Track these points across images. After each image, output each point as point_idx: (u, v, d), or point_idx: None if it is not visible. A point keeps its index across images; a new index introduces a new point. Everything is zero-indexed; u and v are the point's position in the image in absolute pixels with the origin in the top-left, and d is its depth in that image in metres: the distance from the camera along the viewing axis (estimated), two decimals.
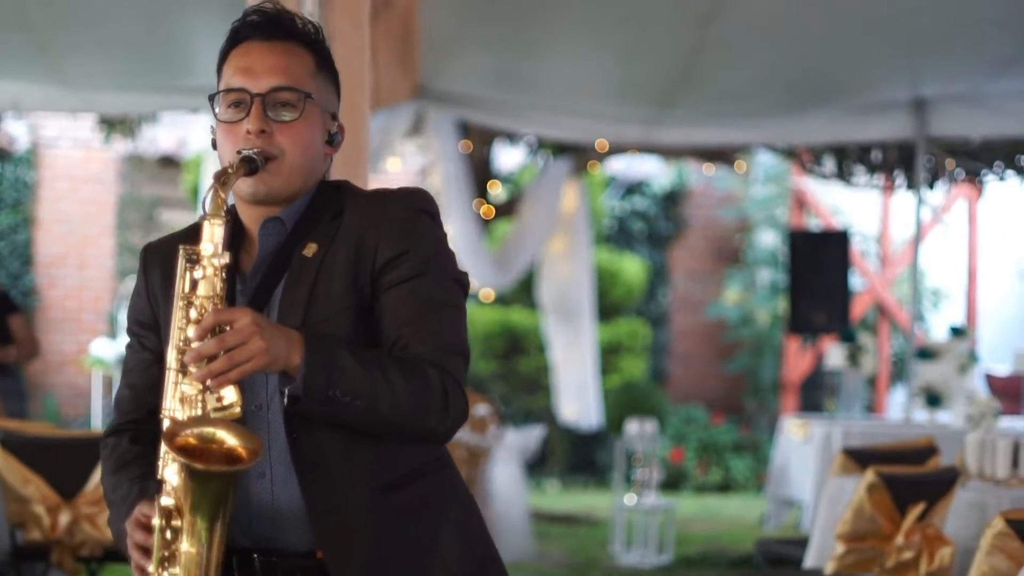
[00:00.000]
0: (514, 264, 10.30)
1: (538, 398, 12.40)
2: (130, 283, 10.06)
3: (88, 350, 10.42)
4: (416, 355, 2.39)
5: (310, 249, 2.43)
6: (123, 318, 9.37)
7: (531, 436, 9.64)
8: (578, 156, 10.57)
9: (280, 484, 2.41)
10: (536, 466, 12.44)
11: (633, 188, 14.09)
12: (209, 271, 2.31)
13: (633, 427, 8.92)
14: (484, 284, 10.15)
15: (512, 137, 10.91)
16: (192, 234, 2.47)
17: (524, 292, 12.01)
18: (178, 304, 2.33)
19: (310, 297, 2.40)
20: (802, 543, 6.37)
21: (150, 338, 2.55)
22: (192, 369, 2.26)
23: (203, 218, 2.34)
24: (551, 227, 10.42)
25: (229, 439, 2.25)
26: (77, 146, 12.84)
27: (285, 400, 2.31)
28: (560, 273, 10.72)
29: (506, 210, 10.84)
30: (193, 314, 2.30)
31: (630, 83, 8.77)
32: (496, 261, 10.22)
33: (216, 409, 2.27)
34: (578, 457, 13.26)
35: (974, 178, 10.30)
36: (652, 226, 14.14)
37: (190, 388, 2.29)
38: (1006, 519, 4.21)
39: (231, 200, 2.50)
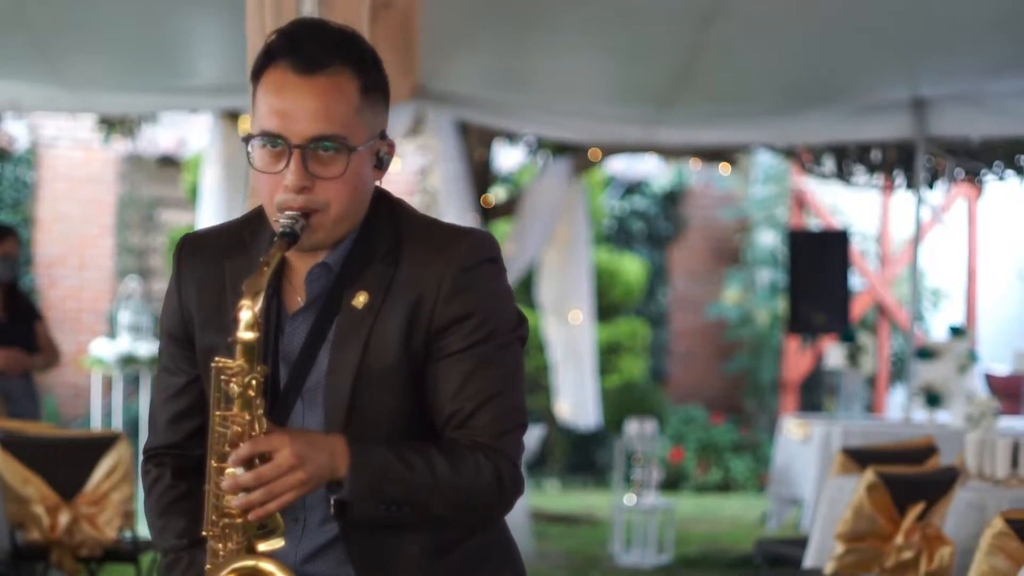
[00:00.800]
0: (514, 264, 10.29)
1: (538, 398, 12.40)
2: (130, 283, 10.06)
3: (87, 350, 10.41)
4: (472, 437, 2.28)
5: (360, 299, 2.29)
6: (122, 318, 9.41)
7: (531, 436, 9.64)
8: (578, 156, 10.57)
9: (309, 531, 2.36)
10: (536, 466, 12.44)
11: (633, 188, 14.10)
12: (246, 389, 2.18)
13: (633, 427, 8.92)
14: None
15: (512, 137, 10.91)
16: (233, 238, 2.39)
17: (523, 292, 12.01)
18: (214, 418, 2.21)
19: (361, 359, 2.27)
20: (802, 543, 6.37)
21: (184, 356, 2.42)
22: (231, 499, 2.18)
23: (240, 300, 2.17)
24: (551, 227, 10.42)
25: (277, 574, 2.21)
26: (76, 146, 12.84)
27: (332, 508, 2.24)
28: (559, 273, 10.72)
29: (506, 210, 10.84)
30: (228, 432, 2.18)
31: (630, 83, 8.77)
32: None
33: (257, 535, 2.23)
34: (578, 457, 13.26)
35: (973, 178, 10.31)
36: (652, 226, 14.14)
37: (230, 509, 2.22)
38: (1005, 519, 4.21)
39: None
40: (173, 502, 2.43)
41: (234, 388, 2.17)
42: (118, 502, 5.93)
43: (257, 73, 2.27)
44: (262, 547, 2.22)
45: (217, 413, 2.19)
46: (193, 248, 2.44)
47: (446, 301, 2.27)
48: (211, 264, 2.38)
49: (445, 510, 2.26)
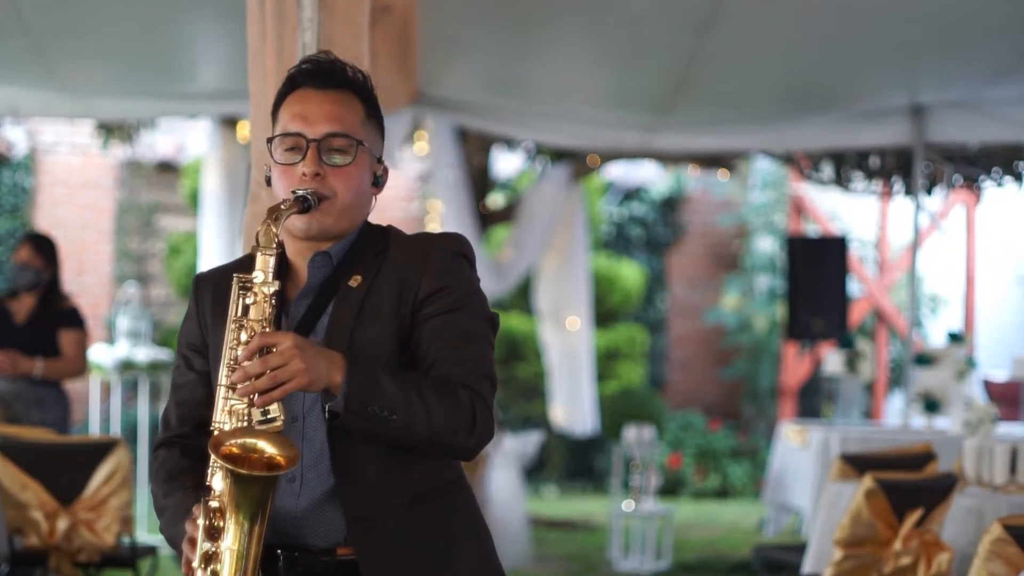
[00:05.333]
0: (512, 270, 10.30)
1: (536, 404, 12.40)
2: (128, 289, 10.06)
3: (88, 357, 10.39)
4: (448, 376, 2.59)
5: (355, 280, 2.65)
6: (120, 324, 9.39)
7: (529, 442, 9.64)
8: (576, 162, 10.57)
9: (307, 489, 2.62)
10: (534, 472, 12.44)
11: (631, 194, 14.10)
12: (260, 297, 2.54)
13: (631, 433, 8.92)
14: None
15: (510, 143, 10.92)
16: (243, 265, 2.70)
17: (522, 298, 12.01)
18: (230, 327, 2.55)
19: (356, 322, 2.61)
20: (800, 549, 6.37)
21: (198, 360, 2.75)
22: (239, 386, 2.47)
23: (255, 249, 2.56)
24: (549, 233, 10.43)
25: (269, 449, 2.47)
26: (75, 152, 12.85)
27: (327, 415, 2.52)
28: (557, 279, 10.72)
29: (504, 216, 10.84)
30: (243, 336, 2.52)
31: (629, 89, 8.77)
32: (494, 267, 10.22)
33: (260, 422, 2.48)
34: (576, 463, 13.26)
35: (972, 184, 10.31)
36: (650, 232, 14.15)
37: (238, 403, 2.51)
38: (1004, 525, 4.21)
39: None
40: (180, 471, 2.73)
41: (250, 298, 2.54)
42: (116, 508, 5.93)
43: (280, 100, 2.71)
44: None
45: (234, 320, 2.54)
46: (204, 284, 2.80)
47: (429, 275, 2.64)
48: (223, 282, 2.69)
49: (426, 428, 2.53)
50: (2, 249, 12.49)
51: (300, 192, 2.59)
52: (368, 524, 2.59)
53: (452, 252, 2.68)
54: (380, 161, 2.75)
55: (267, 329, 2.52)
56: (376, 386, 2.49)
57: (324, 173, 2.62)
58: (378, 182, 2.74)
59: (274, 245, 2.55)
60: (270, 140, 2.69)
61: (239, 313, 2.55)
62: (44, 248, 7.62)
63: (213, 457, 2.50)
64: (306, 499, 2.61)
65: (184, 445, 2.75)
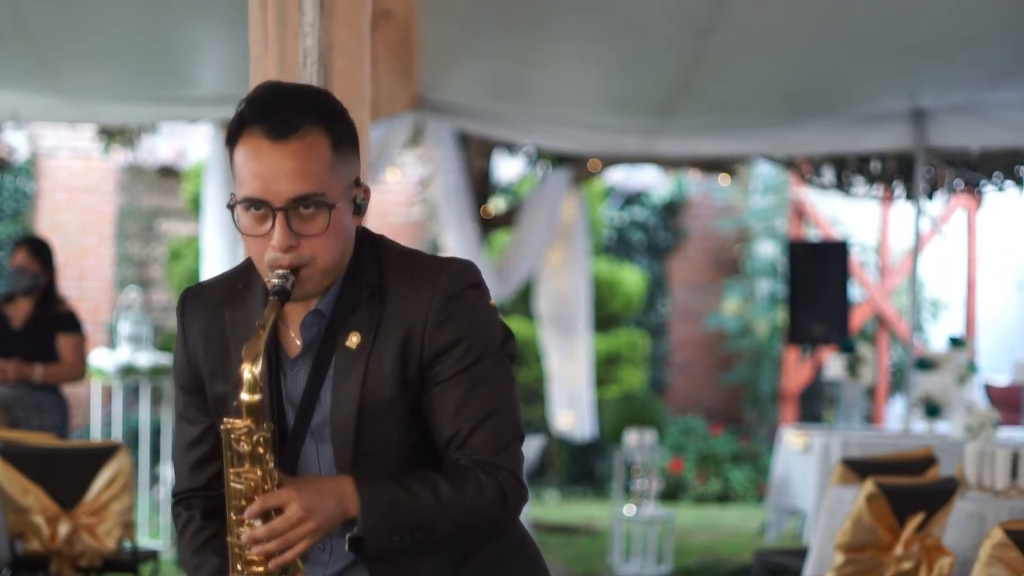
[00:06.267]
0: (513, 274, 10.30)
1: (536, 408, 12.40)
2: (129, 294, 10.06)
3: (87, 361, 10.40)
4: (473, 454, 2.41)
5: (353, 340, 2.42)
6: (122, 328, 9.39)
7: (530, 446, 9.65)
8: (577, 167, 10.57)
9: (337, 558, 2.50)
10: (535, 476, 12.44)
11: (632, 198, 14.10)
12: (254, 447, 2.32)
13: (632, 437, 8.92)
14: None
15: (511, 147, 10.92)
16: (229, 289, 2.52)
17: (522, 302, 12.01)
18: (228, 474, 2.35)
19: (361, 393, 2.41)
20: (801, 553, 6.37)
21: (197, 405, 2.56)
22: (251, 550, 2.34)
23: (242, 361, 2.31)
24: (550, 237, 10.43)
25: None
26: (76, 156, 12.85)
27: (347, 546, 2.37)
28: (558, 284, 10.72)
29: (505, 220, 10.84)
30: (243, 487, 2.34)
31: (629, 94, 8.78)
32: (495, 271, 10.22)
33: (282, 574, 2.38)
34: (577, 467, 13.26)
35: (973, 188, 10.31)
36: (651, 236, 14.15)
37: (252, 555, 2.37)
38: (1005, 530, 4.21)
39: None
40: (206, 542, 2.57)
41: (244, 447, 2.32)
42: (118, 512, 5.93)
43: (232, 140, 2.39)
44: None
45: (231, 470, 2.34)
46: (193, 302, 2.58)
47: (434, 331, 2.40)
48: (212, 315, 2.53)
49: (453, 530, 2.39)
50: (2, 254, 12.49)
51: (276, 283, 2.34)
52: None
53: (459, 290, 2.42)
54: (358, 184, 2.44)
55: (267, 487, 2.31)
56: (393, 511, 2.33)
57: (297, 243, 2.34)
58: (360, 210, 2.45)
59: (257, 390, 2.29)
60: (231, 207, 2.40)
61: (235, 463, 2.34)
62: (40, 252, 7.62)
63: None
64: (335, 567, 2.50)
65: (204, 501, 2.59)
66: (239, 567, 2.38)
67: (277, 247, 2.34)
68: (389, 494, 2.34)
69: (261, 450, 2.30)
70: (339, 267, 2.42)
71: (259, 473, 2.31)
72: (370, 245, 2.49)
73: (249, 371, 2.28)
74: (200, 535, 2.58)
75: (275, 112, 2.34)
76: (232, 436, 2.32)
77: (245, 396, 2.29)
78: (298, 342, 2.46)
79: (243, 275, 2.53)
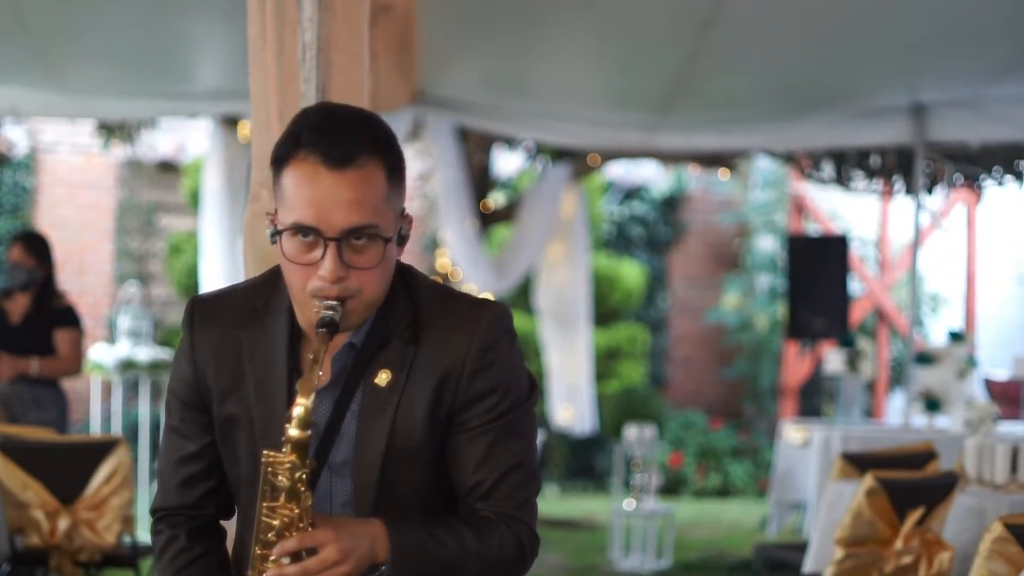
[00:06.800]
0: (513, 269, 10.30)
1: (536, 403, 12.40)
2: (129, 288, 10.05)
3: (87, 355, 10.41)
4: (494, 508, 2.40)
5: (382, 377, 2.36)
6: (121, 323, 9.37)
7: None
8: (577, 161, 10.57)
9: None
10: None
11: (632, 193, 14.10)
12: (293, 483, 2.24)
13: (632, 432, 8.92)
14: (483, 289, 10.16)
15: (511, 142, 10.92)
16: (247, 307, 2.43)
17: (522, 297, 12.01)
18: (261, 508, 2.26)
19: (389, 436, 2.35)
20: (801, 548, 6.36)
21: (196, 421, 2.47)
22: None
23: (288, 424, 2.23)
24: (550, 232, 10.43)
25: None
26: (76, 151, 12.85)
27: None
28: (558, 278, 10.72)
29: (505, 215, 10.84)
30: (276, 522, 2.25)
31: (629, 89, 8.77)
32: (495, 266, 10.22)
33: None
34: (577, 462, 13.26)
35: (972, 183, 10.31)
36: (651, 231, 14.14)
37: None
38: (1005, 524, 4.21)
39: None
40: (187, 565, 2.49)
41: (283, 481, 2.23)
42: (117, 507, 5.93)
43: (282, 161, 2.29)
44: None
45: (264, 504, 2.24)
46: (205, 314, 2.47)
47: (470, 379, 2.35)
48: (226, 333, 2.43)
49: None
50: (2, 249, 12.49)
51: (325, 315, 2.25)
52: None
53: (496, 339, 2.38)
54: (404, 215, 2.36)
55: (302, 525, 2.24)
56: (422, 557, 2.30)
57: (347, 275, 2.26)
58: (403, 241, 2.37)
59: (306, 426, 2.21)
60: (278, 233, 2.29)
61: (269, 496, 2.24)
62: (35, 247, 7.61)
63: None
64: None
65: (190, 525, 2.51)
66: None
67: (327, 278, 2.25)
68: (419, 542, 2.30)
69: (301, 487, 2.22)
70: (381, 301, 2.35)
71: (295, 511, 2.23)
72: (401, 277, 2.41)
73: (303, 406, 2.20)
74: (184, 556, 2.49)
75: (333, 138, 2.25)
76: (271, 469, 2.23)
77: (294, 432, 2.20)
78: (321, 374, 2.33)
79: (261, 293, 2.44)
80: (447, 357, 2.35)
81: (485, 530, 2.37)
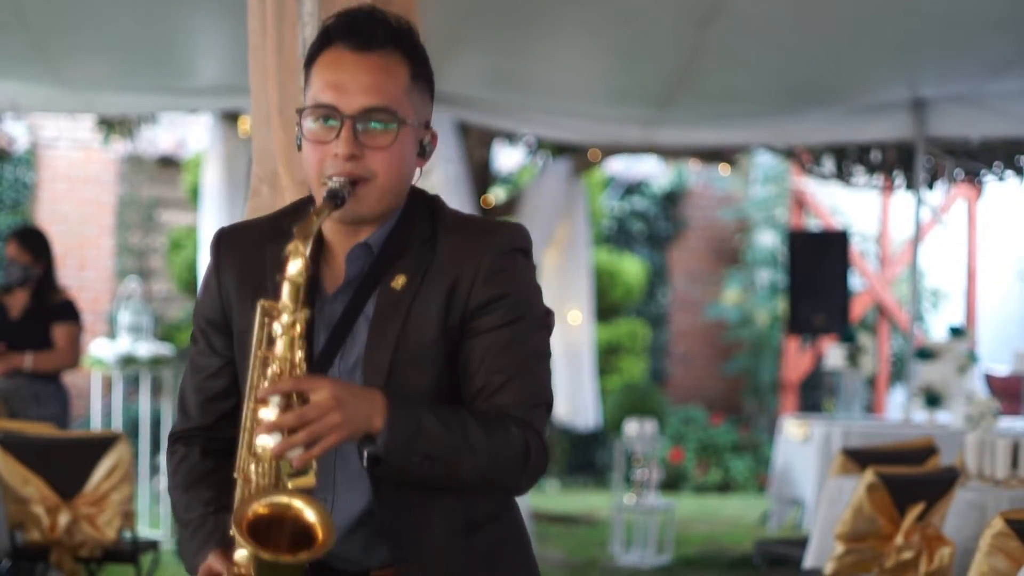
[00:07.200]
0: None
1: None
2: (129, 284, 10.05)
3: (88, 351, 10.42)
4: (501, 407, 2.34)
5: (399, 281, 2.36)
6: (122, 319, 9.37)
7: None
8: (577, 157, 10.57)
9: (340, 510, 2.38)
10: None
11: (632, 188, 14.10)
12: (288, 332, 2.23)
13: (632, 427, 8.92)
14: None
15: (511, 138, 10.91)
16: (274, 227, 2.44)
17: None
18: (255, 358, 2.25)
19: (400, 334, 2.34)
20: (801, 543, 6.37)
21: (219, 341, 2.48)
22: (273, 445, 2.19)
23: (281, 278, 2.24)
24: (551, 227, 10.42)
25: (307, 513, 2.19)
26: (76, 147, 12.84)
27: (364, 461, 2.26)
28: (559, 273, 10.72)
29: (505, 210, 10.84)
30: (270, 372, 2.23)
31: (629, 84, 8.76)
32: None
33: (291, 475, 2.21)
34: (578, 457, 13.26)
35: (973, 178, 10.30)
36: (651, 226, 14.14)
37: (266, 440, 2.22)
38: (1005, 519, 4.21)
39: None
40: (201, 476, 2.48)
41: (277, 328, 2.23)
42: (118, 502, 5.93)
43: (313, 55, 2.38)
44: (292, 486, 2.21)
45: (259, 352, 2.24)
46: (231, 238, 2.50)
47: (484, 282, 2.35)
48: (251, 250, 2.45)
49: (473, 473, 2.30)
50: (2, 244, 12.50)
51: (332, 185, 2.30)
52: (415, 552, 2.36)
53: (510, 250, 2.38)
54: (428, 127, 2.44)
55: (298, 371, 2.22)
56: (419, 433, 2.23)
57: (361, 154, 2.31)
58: (424, 151, 2.43)
59: (305, 270, 2.23)
60: (299, 112, 2.36)
61: (264, 344, 2.24)
62: (31, 243, 7.61)
63: (234, 531, 2.20)
64: (339, 520, 2.34)
65: (205, 445, 2.49)
66: (248, 462, 2.24)
67: (341, 155, 2.31)
68: (418, 413, 2.25)
69: (295, 334, 2.23)
70: (394, 197, 2.38)
71: (288, 358, 2.22)
72: (425, 201, 2.46)
73: (298, 250, 2.22)
74: (196, 469, 2.48)
75: (363, 28, 2.35)
76: (267, 318, 2.24)
77: (291, 271, 2.21)
78: (339, 281, 2.40)
79: (288, 215, 2.46)
80: (462, 264, 2.35)
81: (492, 424, 2.31)
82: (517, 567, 2.53)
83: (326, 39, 2.37)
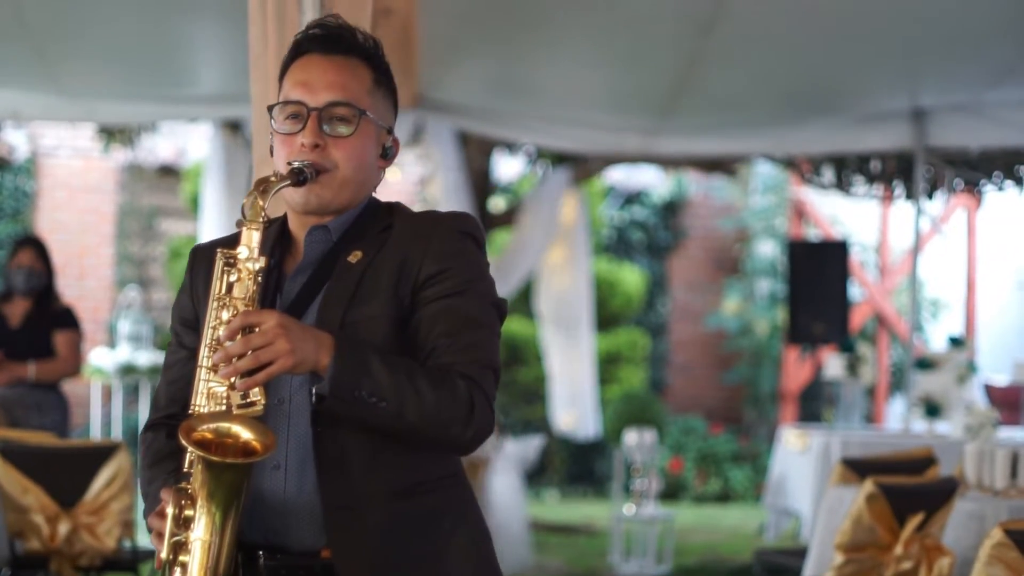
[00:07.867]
0: (513, 274, 10.30)
1: (536, 408, 12.39)
2: (129, 293, 10.06)
3: (87, 360, 10.43)
4: (447, 366, 2.45)
5: (355, 256, 2.52)
6: (122, 328, 9.40)
7: (530, 446, 9.64)
8: (577, 166, 10.57)
9: (293, 478, 2.47)
10: (535, 476, 12.43)
11: (632, 198, 14.10)
12: (244, 274, 2.41)
13: (632, 437, 8.92)
14: None
15: (511, 147, 10.91)
16: (236, 240, 2.54)
17: (523, 302, 12.01)
18: (212, 305, 2.42)
19: (352, 298, 2.48)
20: (801, 553, 6.36)
21: (189, 336, 2.64)
22: (220, 368, 2.33)
23: (240, 224, 2.43)
24: (550, 237, 10.42)
25: (244, 433, 2.33)
26: (76, 156, 12.85)
27: (313, 398, 2.38)
28: (558, 283, 10.72)
29: (505, 220, 10.84)
30: (226, 315, 2.39)
31: (629, 93, 8.77)
32: (495, 271, 10.14)
33: (240, 406, 2.34)
34: (577, 467, 13.26)
35: (973, 188, 10.31)
36: (651, 236, 14.15)
37: (218, 386, 2.37)
38: (1005, 529, 4.21)
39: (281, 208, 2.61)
40: (166, 455, 2.61)
41: (234, 274, 2.41)
42: (118, 512, 5.93)
43: (285, 66, 2.60)
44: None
45: (215, 299, 2.42)
46: (203, 252, 2.66)
47: (432, 257, 2.50)
48: (213, 269, 2.52)
49: (417, 416, 2.39)
50: (2, 253, 12.49)
51: (296, 164, 2.48)
52: (347, 515, 2.44)
53: (459, 232, 2.54)
54: (390, 132, 2.62)
55: (250, 308, 2.39)
56: (365, 370, 2.35)
57: (324, 144, 2.50)
58: (387, 154, 2.61)
59: (261, 219, 2.42)
60: (271, 108, 2.57)
61: (222, 291, 2.41)
62: (44, 252, 7.66)
63: (182, 439, 2.35)
64: (292, 488, 2.46)
65: (171, 427, 2.58)
66: (204, 392, 2.39)
67: (306, 144, 2.50)
68: (366, 354, 2.37)
69: (248, 279, 2.40)
70: (355, 190, 2.55)
71: (243, 299, 2.39)
72: (386, 203, 2.63)
73: (255, 198, 2.42)
74: (162, 450, 2.61)
75: (331, 36, 2.57)
76: (224, 262, 2.42)
77: (248, 216, 2.41)
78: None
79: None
80: (412, 242, 2.51)
81: (440, 376, 2.42)
82: (458, 544, 2.53)
83: (297, 50, 2.59)
